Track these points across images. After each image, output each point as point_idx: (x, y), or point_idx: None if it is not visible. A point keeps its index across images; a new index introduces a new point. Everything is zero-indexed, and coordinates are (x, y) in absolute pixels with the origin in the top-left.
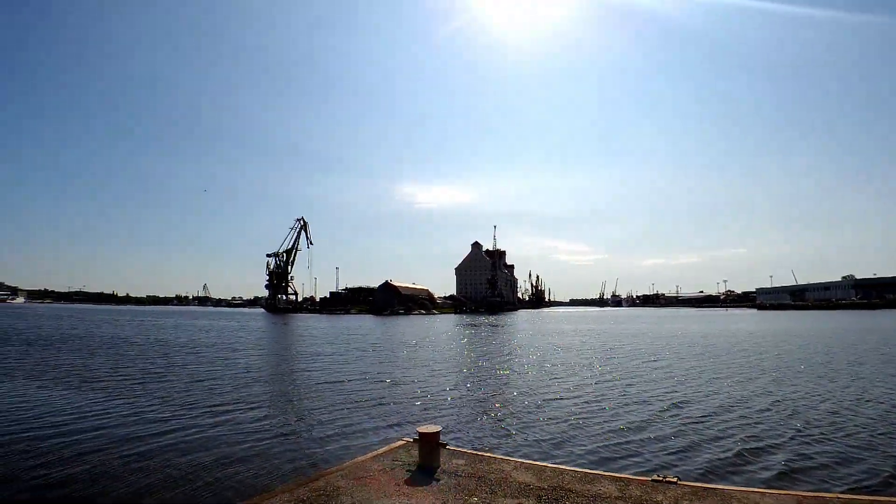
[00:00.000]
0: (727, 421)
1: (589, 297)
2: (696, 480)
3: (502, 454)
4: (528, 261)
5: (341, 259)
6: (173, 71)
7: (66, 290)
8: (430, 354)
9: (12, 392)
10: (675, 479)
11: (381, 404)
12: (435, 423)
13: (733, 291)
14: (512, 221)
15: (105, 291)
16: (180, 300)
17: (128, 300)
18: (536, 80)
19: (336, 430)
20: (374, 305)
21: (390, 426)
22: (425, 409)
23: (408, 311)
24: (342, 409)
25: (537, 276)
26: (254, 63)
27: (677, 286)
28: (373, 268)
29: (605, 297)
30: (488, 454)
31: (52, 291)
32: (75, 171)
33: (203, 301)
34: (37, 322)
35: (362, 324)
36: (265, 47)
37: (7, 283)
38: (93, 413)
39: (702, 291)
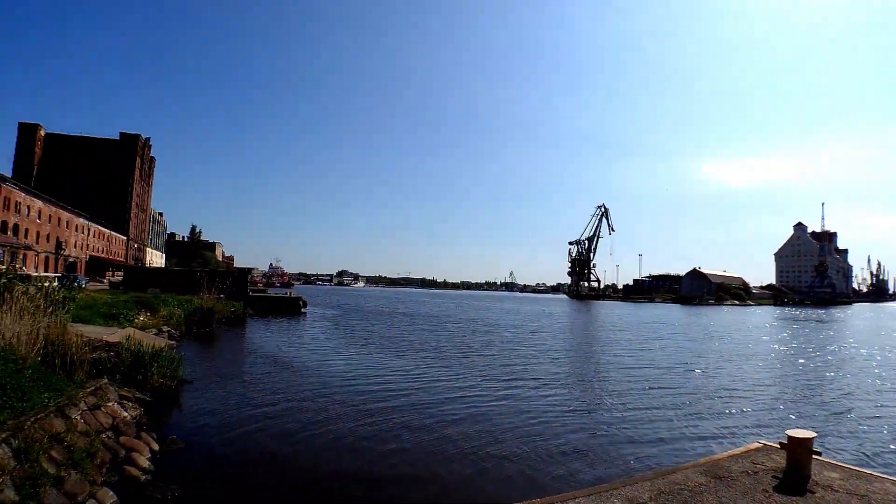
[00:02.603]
0: None
1: None
2: None
3: (880, 472)
4: (866, 244)
5: (644, 245)
6: (472, 73)
7: (395, 277)
8: (748, 349)
9: (355, 355)
10: None
11: (706, 399)
12: (807, 429)
13: None
14: (845, 197)
15: (426, 277)
16: (489, 285)
17: (444, 285)
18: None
19: (668, 423)
20: (680, 294)
21: (728, 426)
22: (761, 411)
23: (719, 301)
24: (667, 400)
25: (878, 263)
26: (541, 56)
27: None
28: (678, 254)
29: None
30: (868, 471)
31: (384, 277)
32: (398, 177)
33: (510, 287)
34: (374, 302)
35: (668, 313)
36: (550, 41)
37: (350, 270)
38: (412, 375)
39: None
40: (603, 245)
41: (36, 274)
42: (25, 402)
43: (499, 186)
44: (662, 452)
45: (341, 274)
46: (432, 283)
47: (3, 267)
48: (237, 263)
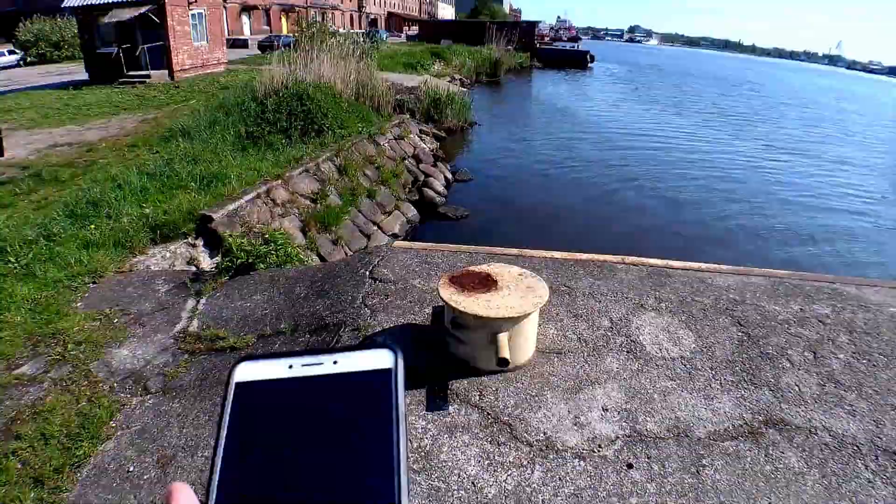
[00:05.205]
0: None
1: None
2: None
3: None
4: None
5: None
6: None
7: (693, 36)
8: None
9: (635, 111)
10: None
11: None
12: None
13: None
14: None
15: (730, 39)
16: (808, 56)
17: (752, 50)
18: None
19: None
20: None
21: None
22: None
23: None
24: None
25: None
26: None
27: None
28: None
29: None
30: None
31: (682, 36)
32: None
33: (834, 60)
34: (665, 61)
35: None
36: None
37: (643, 26)
38: (689, 136)
39: None
40: None
41: (343, 31)
42: (344, 129)
43: None
44: None
45: (632, 30)
46: (737, 46)
47: (318, 23)
48: (524, 17)
